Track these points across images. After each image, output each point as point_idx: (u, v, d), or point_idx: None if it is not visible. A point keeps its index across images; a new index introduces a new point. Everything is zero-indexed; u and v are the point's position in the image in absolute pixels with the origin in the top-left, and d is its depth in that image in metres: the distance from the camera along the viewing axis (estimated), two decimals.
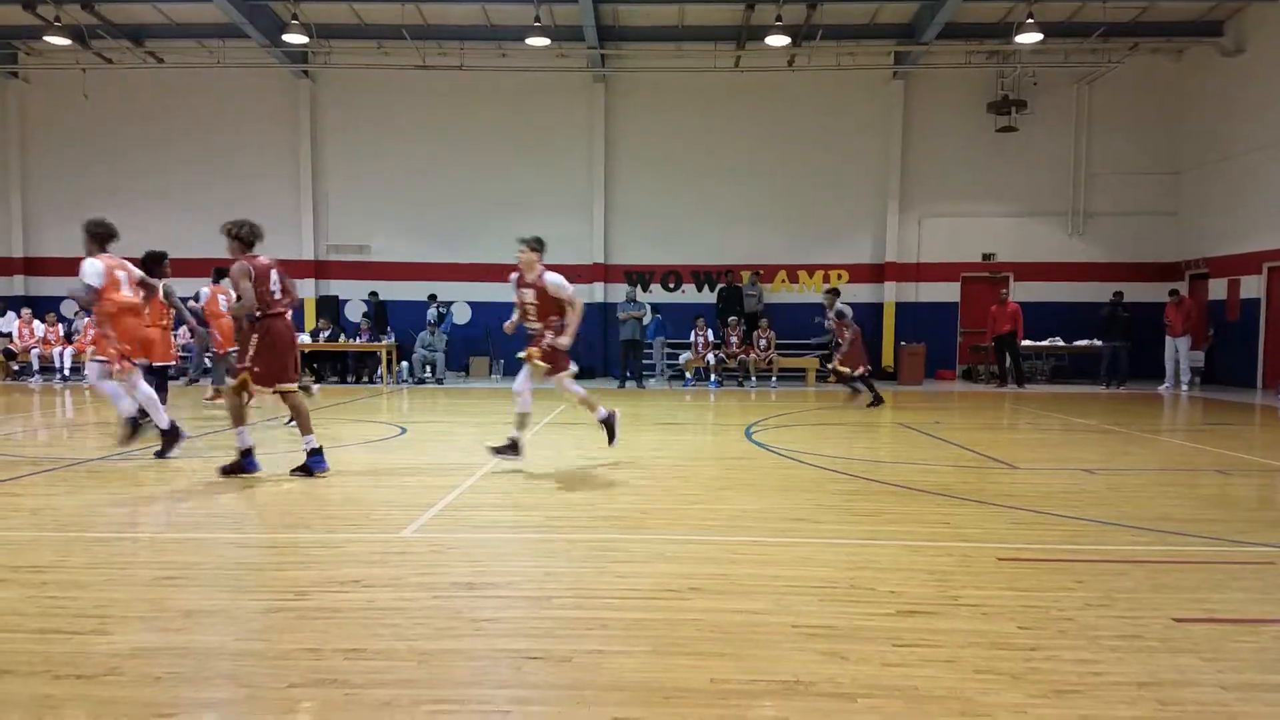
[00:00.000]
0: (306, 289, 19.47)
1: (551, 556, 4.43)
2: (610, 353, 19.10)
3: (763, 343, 17.64)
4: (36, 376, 17.35)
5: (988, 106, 18.96)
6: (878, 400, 12.69)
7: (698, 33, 18.39)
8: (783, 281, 19.66)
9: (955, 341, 19.74)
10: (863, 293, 19.36)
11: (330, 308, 19.00)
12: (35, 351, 17.59)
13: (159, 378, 9.25)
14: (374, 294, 19.22)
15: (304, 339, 17.94)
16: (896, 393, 15.82)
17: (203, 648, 3.15)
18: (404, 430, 9.90)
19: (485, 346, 19.29)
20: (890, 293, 19.44)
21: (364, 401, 13.90)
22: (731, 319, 17.83)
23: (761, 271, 19.38)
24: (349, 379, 17.93)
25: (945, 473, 7.11)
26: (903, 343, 18.71)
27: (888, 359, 19.10)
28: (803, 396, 15.29)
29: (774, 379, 17.50)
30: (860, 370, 12.92)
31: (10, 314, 18.39)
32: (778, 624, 3.42)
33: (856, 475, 6.90)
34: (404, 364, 18.13)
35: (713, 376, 17.36)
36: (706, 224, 19.56)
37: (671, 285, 19.82)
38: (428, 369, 17.93)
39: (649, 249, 19.72)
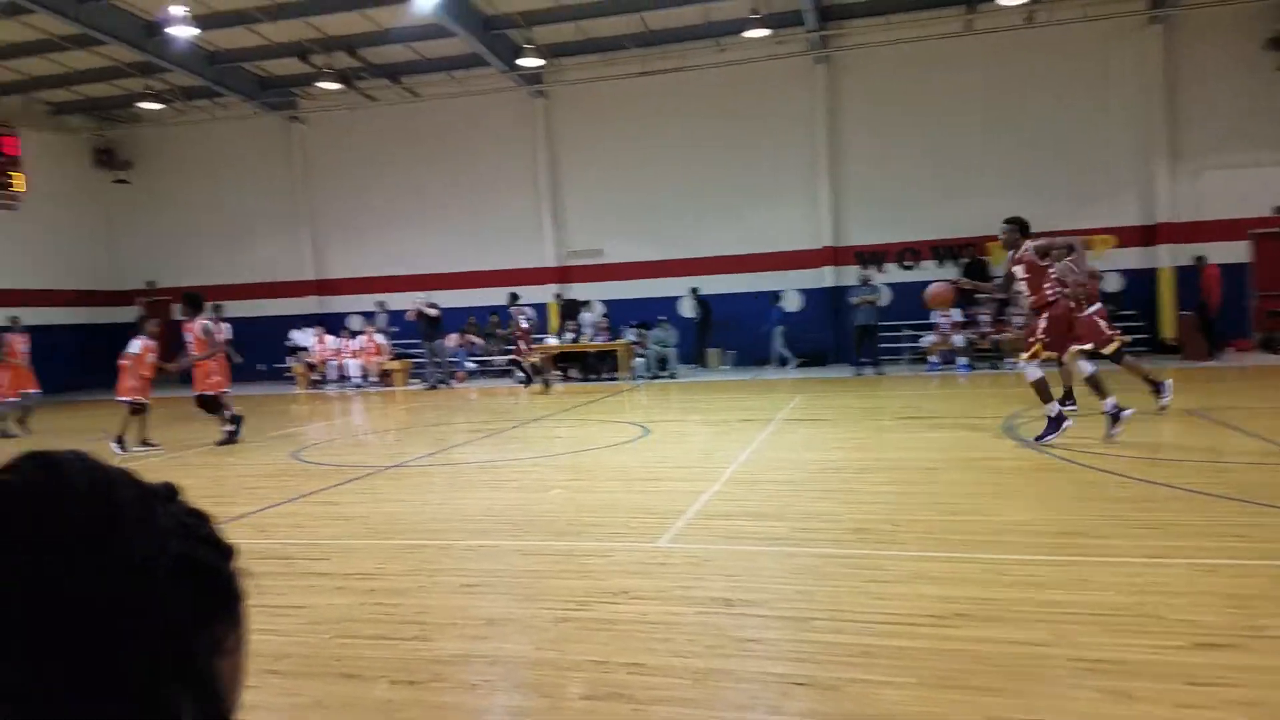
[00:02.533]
0: (550, 293, 20.72)
1: (804, 574, 4.52)
2: (843, 339, 18.80)
3: (1019, 320, 16.50)
4: (333, 385, 19.78)
5: (1265, 43, 16.62)
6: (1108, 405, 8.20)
7: (924, 0, 17.59)
8: None
9: (1248, 307, 17.50)
10: (1130, 258, 17.68)
11: (572, 310, 20.10)
12: (332, 363, 20.06)
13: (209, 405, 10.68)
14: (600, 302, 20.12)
15: (549, 340, 19.19)
16: (1181, 370, 14.25)
17: (507, 656, 3.57)
18: (646, 431, 10.28)
19: (716, 338, 19.62)
20: (1165, 256, 17.59)
21: (606, 400, 14.63)
22: (980, 296, 16.87)
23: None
24: (590, 377, 18.92)
25: (1244, 471, 6.40)
26: (1185, 312, 16.83)
27: (1169, 330, 17.31)
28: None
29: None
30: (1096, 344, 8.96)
31: (307, 330, 21.06)
32: (1055, 656, 3.29)
33: (1139, 478, 6.29)
34: (639, 360, 18.85)
35: (961, 359, 16.54)
36: (943, 196, 18.66)
37: (908, 263, 19.14)
38: (662, 364, 18.54)
39: (881, 228, 19.15)
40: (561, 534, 5.55)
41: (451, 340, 19.99)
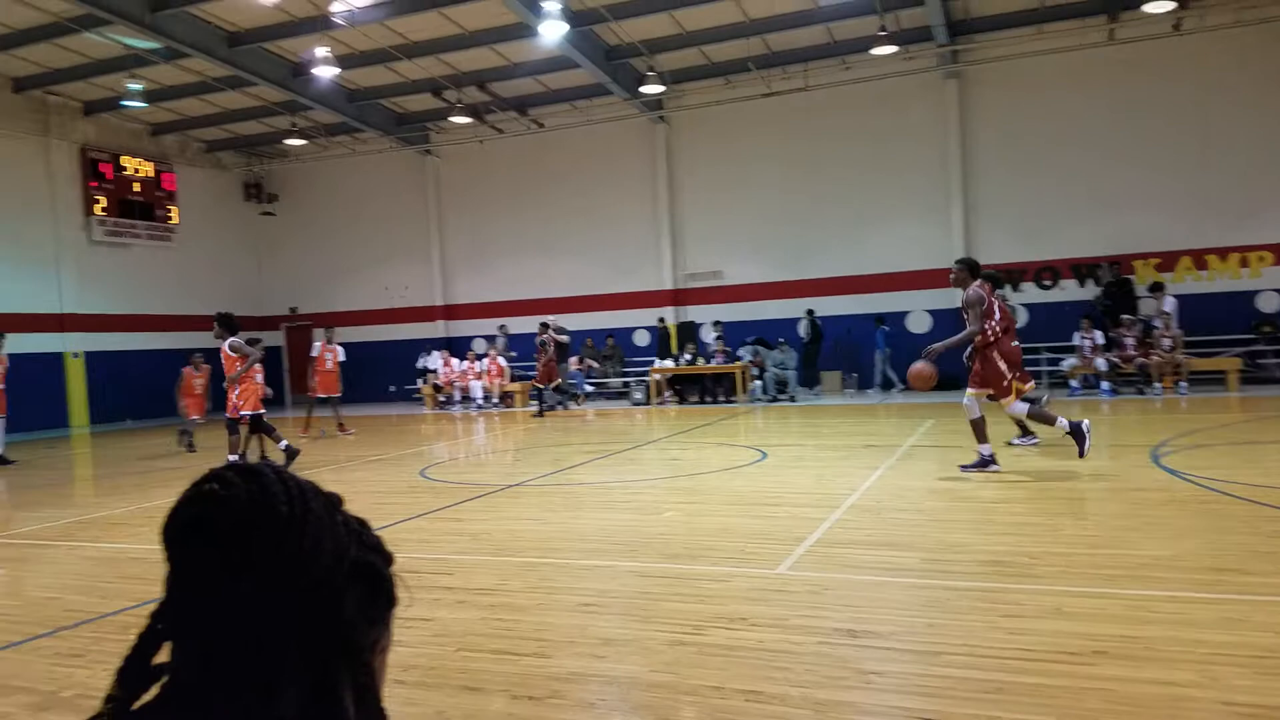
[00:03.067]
0: (668, 316, 20.84)
1: (933, 606, 4.34)
2: None
3: (1166, 343, 15.50)
4: (457, 405, 20.46)
5: None
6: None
7: (1061, 11, 16.89)
8: (1187, 269, 17.23)
9: None
10: None
11: (689, 332, 20.15)
12: (457, 385, 20.77)
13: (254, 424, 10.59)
14: (717, 322, 20.07)
15: (666, 363, 19.28)
16: None
17: (624, 676, 3.57)
18: (764, 455, 10.16)
19: (837, 361, 19.24)
20: None
21: (723, 423, 14.54)
22: (1125, 317, 15.94)
23: (1159, 260, 17.20)
24: (706, 399, 18.86)
25: None
26: None
27: None
28: (1223, 405, 13.25)
29: (1183, 384, 15.29)
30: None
31: (435, 353, 21.87)
32: (1204, 700, 3.06)
33: None
34: (756, 383, 18.67)
35: (1104, 384, 15.63)
36: (1084, 213, 17.77)
37: (1047, 282, 18.29)
38: (781, 387, 18.30)
39: (1016, 246, 18.37)
40: (676, 557, 5.52)
41: (571, 363, 20.39)
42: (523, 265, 22.31)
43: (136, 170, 21.20)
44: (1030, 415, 8.29)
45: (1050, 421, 8.14)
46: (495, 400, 20.55)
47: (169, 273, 21.96)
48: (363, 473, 10.34)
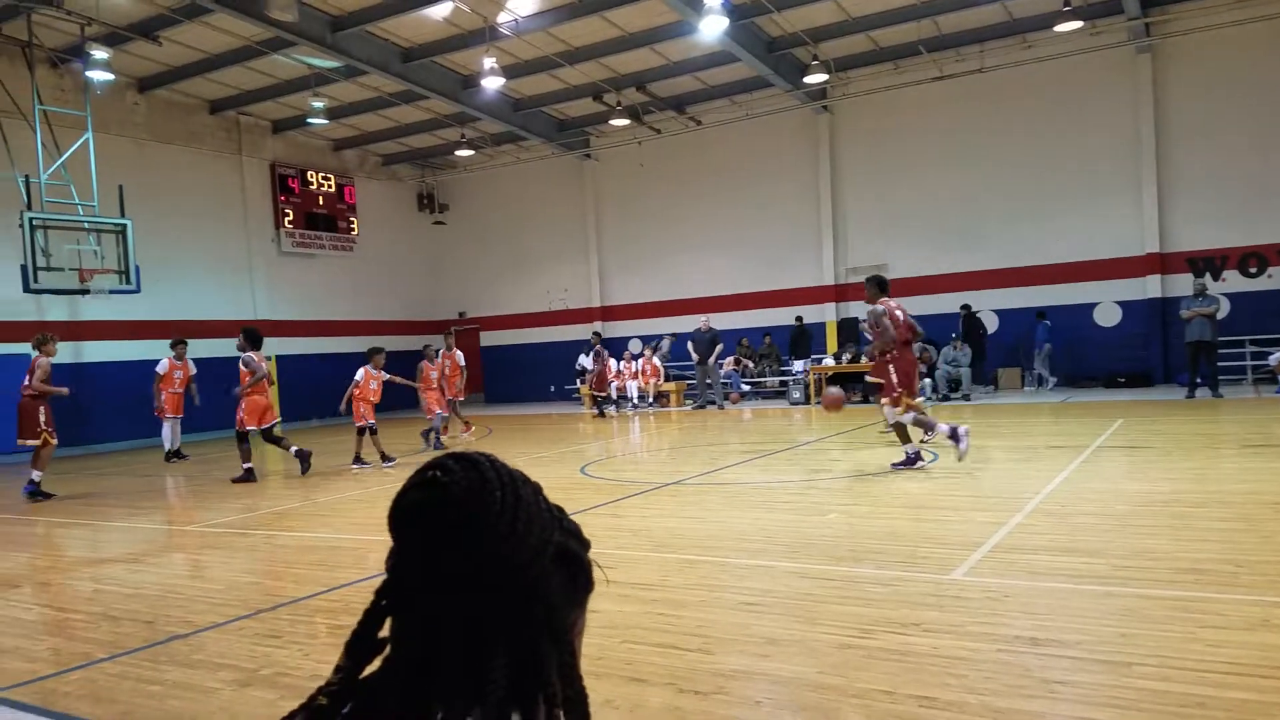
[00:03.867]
0: (829, 312, 20.39)
1: (1125, 615, 4.00)
2: (1171, 357, 16.70)
3: None
4: (613, 405, 20.80)
5: None
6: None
7: None
8: None
9: None
10: None
11: (851, 328, 19.62)
12: (613, 384, 21.11)
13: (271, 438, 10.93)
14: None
15: (827, 361, 18.85)
16: None
17: (789, 676, 3.49)
18: (935, 456, 9.70)
19: (1016, 357, 18.23)
20: None
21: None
22: None
23: None
24: (870, 399, 18.27)
25: None
26: None
27: None
28: None
29: None
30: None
31: (591, 354, 22.33)
32: None
33: None
34: (927, 380, 17.93)
35: None
36: None
37: (1253, 270, 16.64)
38: (954, 386, 17.50)
39: (1217, 230, 16.83)
40: (840, 559, 5.36)
41: (726, 363, 20.32)
42: (678, 264, 22.44)
43: (320, 184, 22.82)
44: (915, 423, 8.88)
45: (930, 428, 8.96)
46: (650, 400, 20.77)
47: (349, 281, 23.50)
48: (525, 469, 10.64)
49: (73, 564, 6.92)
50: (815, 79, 18.05)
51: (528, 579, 0.86)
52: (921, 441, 9.64)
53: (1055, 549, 5.28)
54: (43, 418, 10.20)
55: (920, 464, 8.71)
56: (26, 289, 14.70)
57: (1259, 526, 5.54)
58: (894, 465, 8.81)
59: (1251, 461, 8.11)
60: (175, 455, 14.45)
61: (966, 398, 17.11)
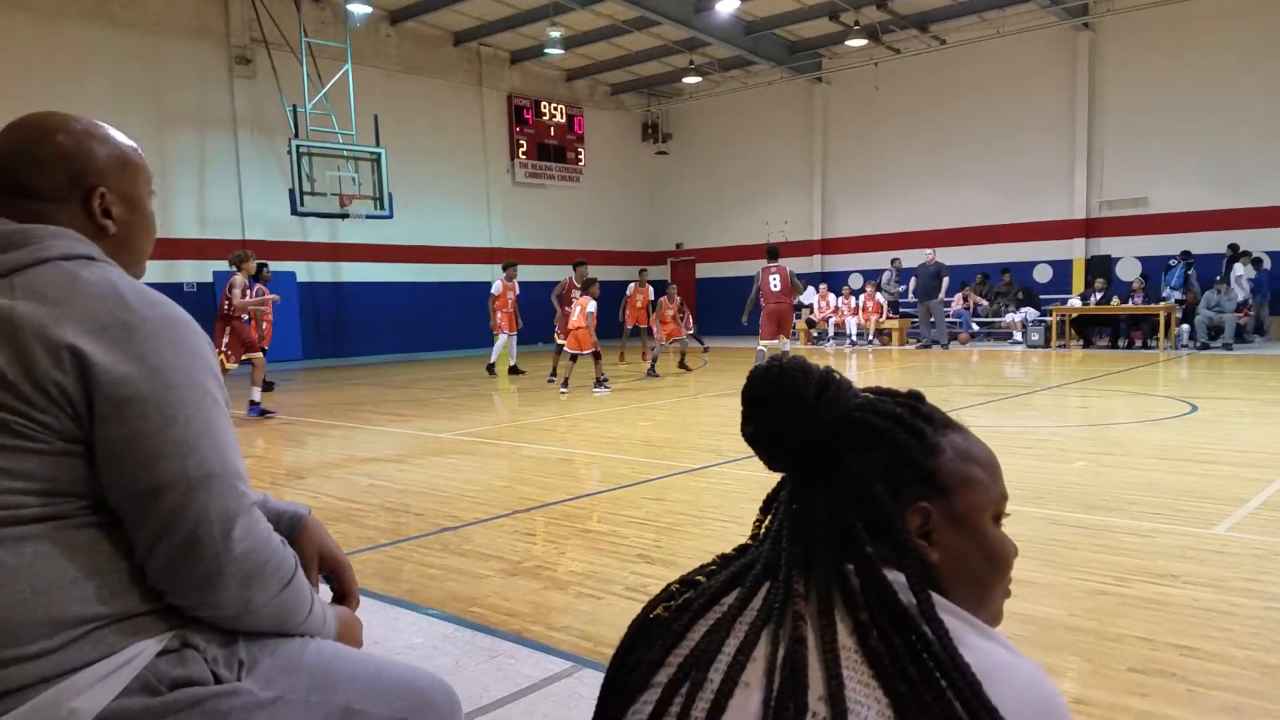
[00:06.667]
0: (1076, 249, 18.90)
1: None
2: None
3: None
4: (831, 341, 20.53)
5: None
6: None
7: None
8: None
9: None
10: None
11: (1102, 267, 18.11)
12: (831, 320, 20.81)
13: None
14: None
15: (1073, 301, 17.53)
16: None
17: (1040, 617, 3.47)
18: (1194, 408, 8.95)
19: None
20: None
21: (1139, 370, 12.98)
22: None
23: None
24: (1119, 344, 16.89)
25: None
26: None
27: None
28: None
29: None
30: None
31: (810, 288, 22.06)
32: None
33: None
34: (1184, 326, 16.31)
35: None
36: None
37: None
38: (1214, 333, 15.81)
39: None
40: (1093, 508, 5.15)
41: (955, 300, 19.40)
42: (909, 196, 21.47)
43: (553, 115, 23.68)
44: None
45: None
46: (871, 339, 20.26)
47: (575, 211, 24.38)
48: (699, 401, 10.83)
49: (347, 461, 7.81)
50: None
51: (831, 450, 1.01)
52: None
53: None
54: (251, 335, 10.38)
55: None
56: (294, 211, 16.44)
57: None
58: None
59: None
60: (514, 370, 15.35)
61: (1228, 347, 15.42)
